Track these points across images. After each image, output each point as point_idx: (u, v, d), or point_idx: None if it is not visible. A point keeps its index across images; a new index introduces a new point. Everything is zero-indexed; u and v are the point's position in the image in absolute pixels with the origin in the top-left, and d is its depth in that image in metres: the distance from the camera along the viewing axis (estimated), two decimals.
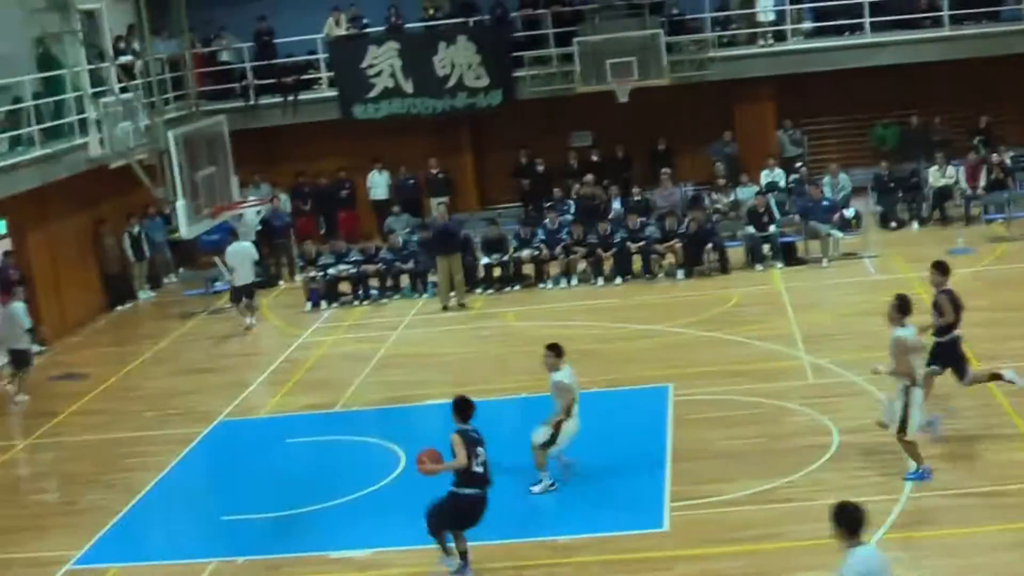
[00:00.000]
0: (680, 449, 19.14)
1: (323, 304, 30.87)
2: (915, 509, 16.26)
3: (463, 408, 16.29)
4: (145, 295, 34.09)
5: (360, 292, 31.12)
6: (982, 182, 32.79)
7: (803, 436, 19.25)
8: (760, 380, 21.87)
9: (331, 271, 31.15)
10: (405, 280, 31.39)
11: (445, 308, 29.34)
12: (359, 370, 25.28)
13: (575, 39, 34.44)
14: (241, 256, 29.60)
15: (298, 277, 33.05)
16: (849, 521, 11.00)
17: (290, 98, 36.94)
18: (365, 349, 26.79)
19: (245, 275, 29.53)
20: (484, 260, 31.16)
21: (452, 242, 29.90)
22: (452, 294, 29.60)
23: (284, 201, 35.90)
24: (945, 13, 34.81)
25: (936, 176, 33.08)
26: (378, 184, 37.23)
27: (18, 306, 26.20)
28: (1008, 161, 33.32)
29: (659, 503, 17.11)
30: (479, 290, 30.74)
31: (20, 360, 26.19)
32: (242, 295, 29.54)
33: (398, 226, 33.87)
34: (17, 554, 18.12)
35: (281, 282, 34.06)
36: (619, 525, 16.70)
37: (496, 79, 35.93)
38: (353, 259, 31.37)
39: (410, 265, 31.22)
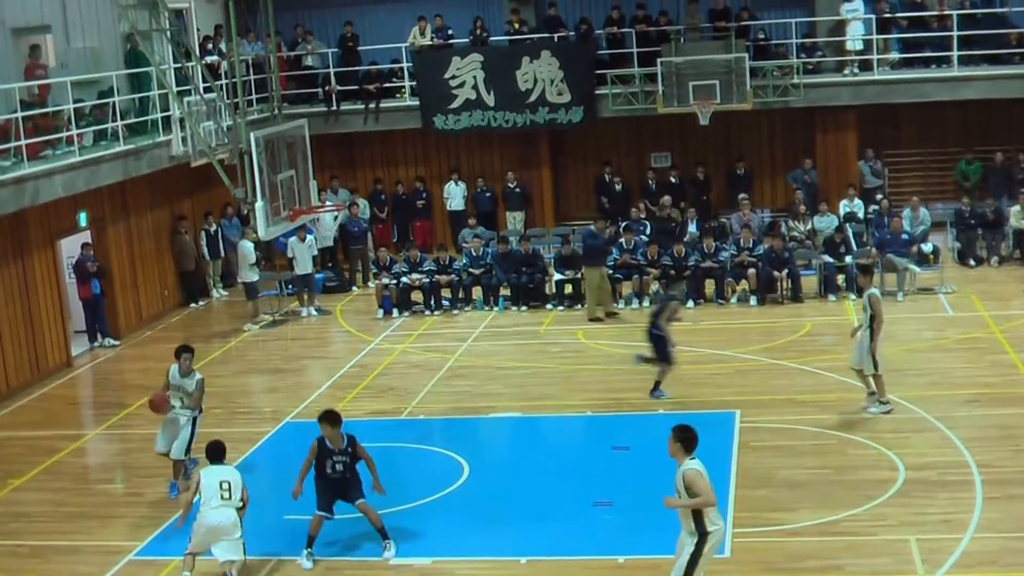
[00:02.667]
0: (744, 476, 19.08)
1: (395, 312, 30.99)
2: (979, 550, 16.11)
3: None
4: (218, 294, 34.35)
5: (432, 302, 31.20)
6: None
7: (868, 470, 19.14)
8: (828, 411, 21.75)
9: (404, 280, 31.26)
10: (477, 292, 31.45)
11: (593, 319, 29.43)
12: (427, 379, 25.36)
13: (659, 59, 34.36)
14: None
15: (371, 284, 33.17)
16: None
17: (372, 105, 37.11)
18: (434, 359, 26.87)
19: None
20: (556, 277, 31.16)
21: (603, 254, 30.06)
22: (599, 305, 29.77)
23: (364, 207, 36.05)
24: None
25: (1018, 215, 32.76)
26: (454, 195, 37.34)
27: (247, 244, 30.88)
28: None
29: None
30: (549, 306, 30.75)
31: (251, 291, 31.11)
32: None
33: (473, 238, 33.94)
34: (83, 541, 18.35)
35: (354, 288, 34.22)
36: None
37: (578, 96, 35.94)
38: (427, 269, 31.44)
39: (482, 275, 31.27)
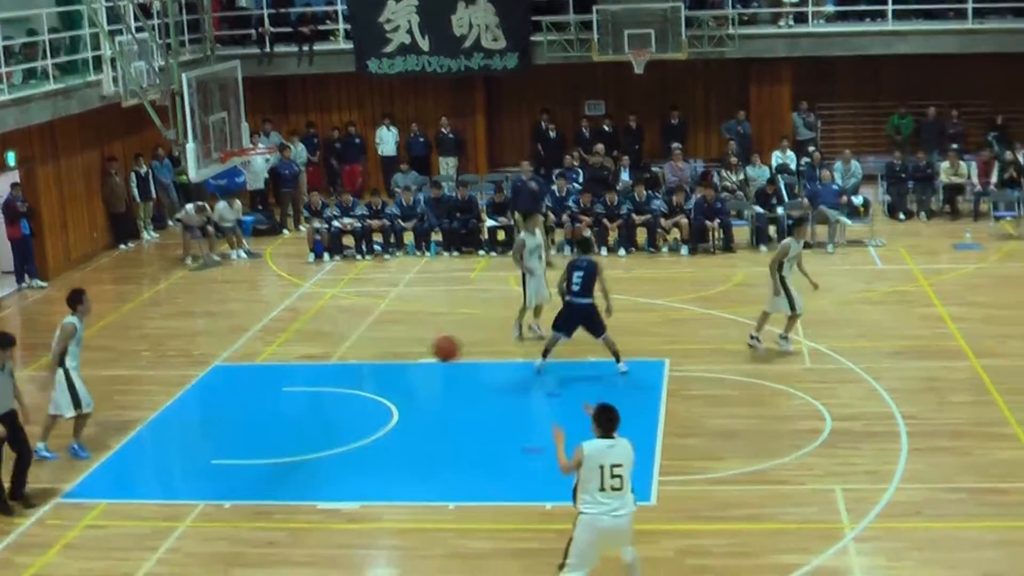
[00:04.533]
0: (672, 424, 19.17)
1: (326, 256, 30.88)
2: (903, 500, 16.27)
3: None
4: (149, 236, 34.09)
5: (364, 246, 31.11)
6: (994, 179, 32.74)
7: (796, 420, 19.27)
8: (758, 361, 21.88)
9: (336, 224, 31.14)
10: (409, 237, 31.37)
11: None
12: (358, 324, 25.30)
13: (595, 7, 34.25)
14: None
15: (303, 227, 33.06)
16: None
17: (305, 48, 36.84)
18: (365, 303, 26.81)
19: None
20: (489, 223, 31.13)
21: (535, 201, 29.98)
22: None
23: (301, 151, 35.87)
24: (969, 5, 34.52)
25: (948, 170, 33.01)
26: (386, 140, 37.13)
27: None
28: (1021, 159, 33.23)
29: (648, 477, 17.10)
30: (482, 252, 30.73)
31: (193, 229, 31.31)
32: None
33: (405, 183, 33.85)
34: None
35: (286, 231, 34.08)
36: None
37: (513, 42, 35.81)
38: (358, 213, 31.33)
39: (414, 220, 31.20)
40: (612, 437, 13.28)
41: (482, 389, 21.93)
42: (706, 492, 16.76)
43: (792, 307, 22.24)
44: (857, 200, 31.56)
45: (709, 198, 30.46)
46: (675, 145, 34.43)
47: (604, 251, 30.25)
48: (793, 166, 34.00)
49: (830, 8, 36.29)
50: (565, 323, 21.61)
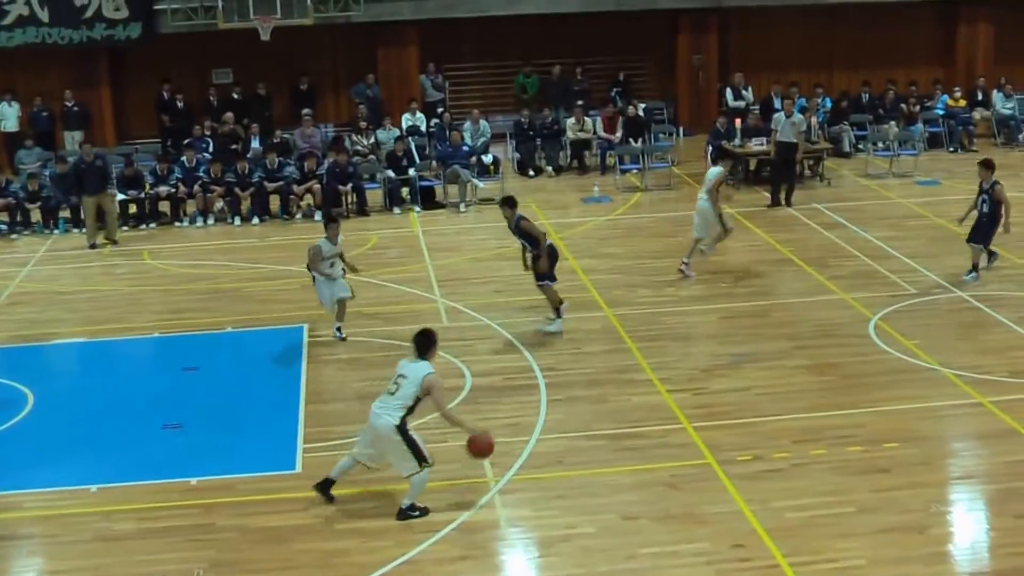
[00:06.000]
0: (314, 390, 19.15)
1: None
2: (545, 451, 16.66)
3: None
4: None
5: None
6: (618, 133, 33.72)
7: None
8: (396, 322, 22.00)
9: None
10: (36, 215, 30.46)
11: (93, 246, 28.61)
12: None
13: None
14: None
15: None
16: None
17: None
18: None
19: None
20: (120, 196, 30.49)
21: (99, 178, 29.21)
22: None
23: None
24: None
25: (574, 127, 33.87)
26: (8, 116, 35.92)
27: None
28: (643, 114, 34.34)
29: (292, 445, 17.08)
30: None
31: None
32: None
33: (30, 160, 32.89)
34: None
35: None
36: (251, 467, 16.59)
37: (136, 11, 35.08)
38: None
39: (41, 202, 30.33)
40: (422, 358, 15.02)
41: (119, 367, 21.54)
42: None
43: (724, 226, 24.08)
44: (487, 159, 32.17)
45: (341, 163, 30.49)
46: (305, 111, 34.38)
47: (237, 220, 30.01)
48: (423, 128, 34.34)
49: None
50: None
